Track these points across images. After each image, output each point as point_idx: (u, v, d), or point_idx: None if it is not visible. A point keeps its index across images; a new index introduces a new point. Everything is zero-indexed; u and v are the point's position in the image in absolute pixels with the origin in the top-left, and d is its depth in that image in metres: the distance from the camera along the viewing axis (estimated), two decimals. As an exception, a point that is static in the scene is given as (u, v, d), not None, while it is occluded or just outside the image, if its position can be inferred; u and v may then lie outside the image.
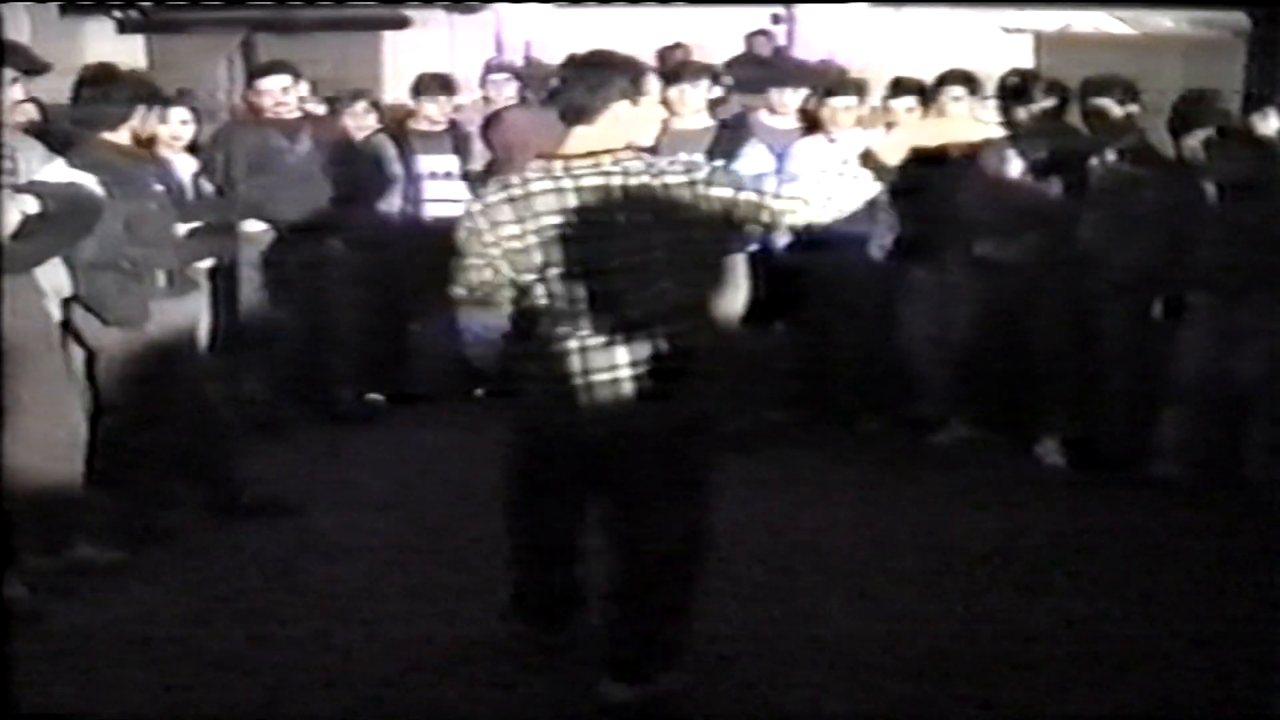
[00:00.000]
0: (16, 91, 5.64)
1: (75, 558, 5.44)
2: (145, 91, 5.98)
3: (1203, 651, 4.78)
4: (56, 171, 5.41)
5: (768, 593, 5.28)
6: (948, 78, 7.37)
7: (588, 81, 4.23)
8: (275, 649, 4.80)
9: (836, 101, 7.59)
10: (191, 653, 4.77)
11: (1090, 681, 4.56)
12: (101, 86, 5.78)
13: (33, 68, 5.51)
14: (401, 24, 13.29)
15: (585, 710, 4.33)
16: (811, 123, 7.71)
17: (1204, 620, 5.03)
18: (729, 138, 7.49)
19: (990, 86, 7.42)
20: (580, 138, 4.21)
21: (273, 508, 6.15)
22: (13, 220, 5.09)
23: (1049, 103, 7.06)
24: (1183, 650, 4.79)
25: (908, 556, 5.71)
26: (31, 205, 5.18)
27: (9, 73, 5.39)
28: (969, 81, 7.36)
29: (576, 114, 4.22)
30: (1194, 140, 6.44)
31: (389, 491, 6.60)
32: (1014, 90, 7.15)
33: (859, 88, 7.85)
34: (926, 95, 7.40)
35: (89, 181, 5.50)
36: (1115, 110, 6.76)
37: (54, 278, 5.56)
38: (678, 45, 10.95)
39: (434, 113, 8.30)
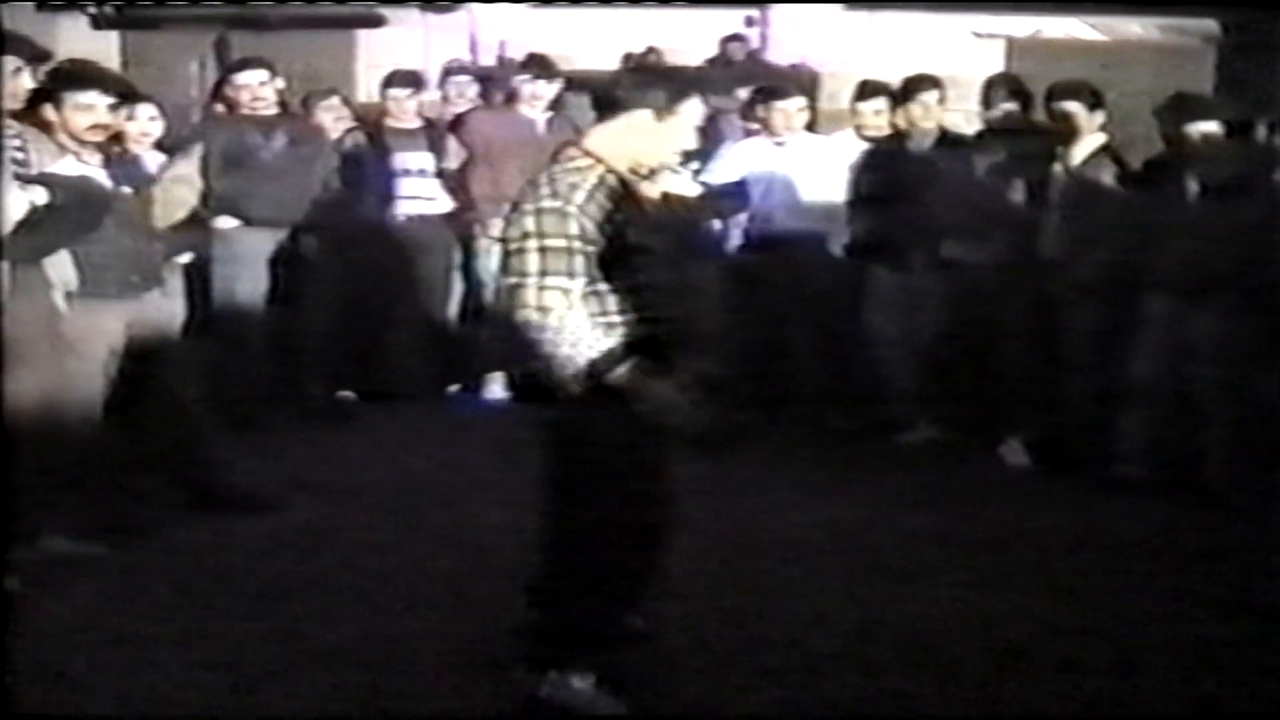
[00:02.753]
0: (25, 80, 5.64)
1: (51, 550, 5.47)
2: (119, 88, 6.00)
3: (1162, 650, 4.82)
4: (67, 165, 5.45)
5: (737, 589, 5.32)
6: (918, 83, 7.43)
7: (628, 80, 4.28)
8: (249, 643, 4.81)
9: (782, 104, 7.64)
10: (165, 646, 4.78)
11: (1052, 679, 4.61)
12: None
13: (35, 55, 5.55)
14: (376, 23, 13.27)
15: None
16: (763, 125, 7.78)
17: (1163, 619, 5.08)
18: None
19: (961, 91, 7.49)
20: (594, 134, 4.24)
21: (247, 502, 6.17)
22: (21, 209, 5.12)
23: (1011, 105, 7.15)
24: (1143, 649, 4.83)
25: (872, 553, 5.76)
26: (41, 196, 5.22)
27: (12, 61, 5.43)
28: (938, 86, 7.43)
29: (601, 108, 4.25)
30: (1194, 130, 6.47)
31: (361, 487, 6.64)
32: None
33: (804, 90, 7.91)
34: (897, 99, 7.48)
35: (99, 175, 5.54)
36: (1080, 115, 6.83)
37: (61, 270, 5.61)
38: (650, 50, 10.97)
39: (404, 106, 8.35)
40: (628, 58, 10.58)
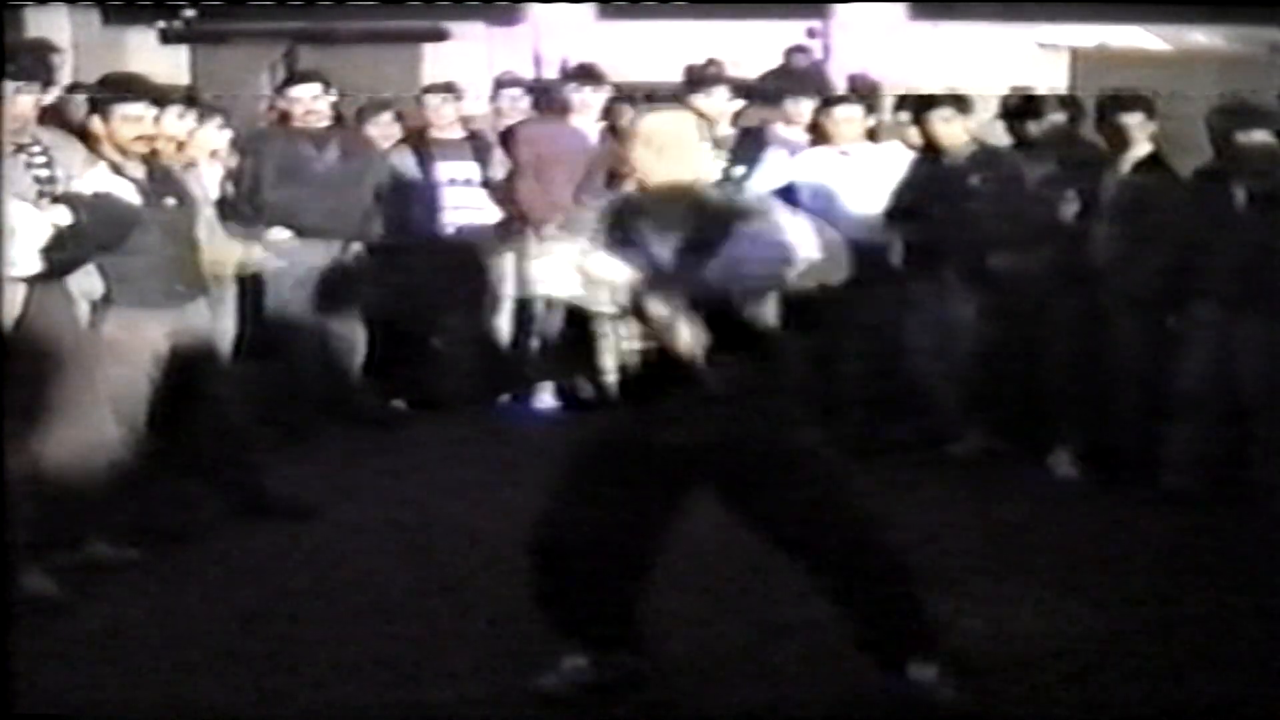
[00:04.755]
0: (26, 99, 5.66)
1: (91, 555, 5.54)
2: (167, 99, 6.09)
3: (1212, 660, 4.77)
4: (97, 176, 5.51)
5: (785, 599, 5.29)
6: (936, 99, 7.40)
7: None
8: (291, 651, 4.85)
9: (840, 112, 7.64)
10: (206, 652, 4.82)
11: (1103, 687, 4.58)
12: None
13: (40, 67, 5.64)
14: (440, 36, 13.38)
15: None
16: (820, 135, 7.76)
17: (1214, 629, 5.03)
18: (750, 144, 7.57)
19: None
20: None
21: (292, 510, 6.23)
22: (45, 233, 5.16)
23: (1060, 117, 7.10)
24: (1194, 659, 4.78)
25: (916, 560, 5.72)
26: (65, 217, 5.27)
27: (11, 84, 5.48)
28: (959, 102, 7.38)
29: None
30: (1247, 139, 6.41)
31: (409, 495, 6.67)
32: (1016, 109, 7.20)
33: (865, 99, 7.89)
34: (916, 115, 7.45)
35: (126, 190, 5.60)
36: (1134, 127, 6.77)
37: (84, 282, 5.66)
38: (710, 62, 10.96)
39: (442, 115, 8.40)
40: (689, 70, 10.61)
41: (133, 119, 5.76)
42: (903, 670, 4.33)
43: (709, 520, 4.46)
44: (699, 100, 7.49)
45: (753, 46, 11.70)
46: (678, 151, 4.21)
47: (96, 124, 5.77)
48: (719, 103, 7.65)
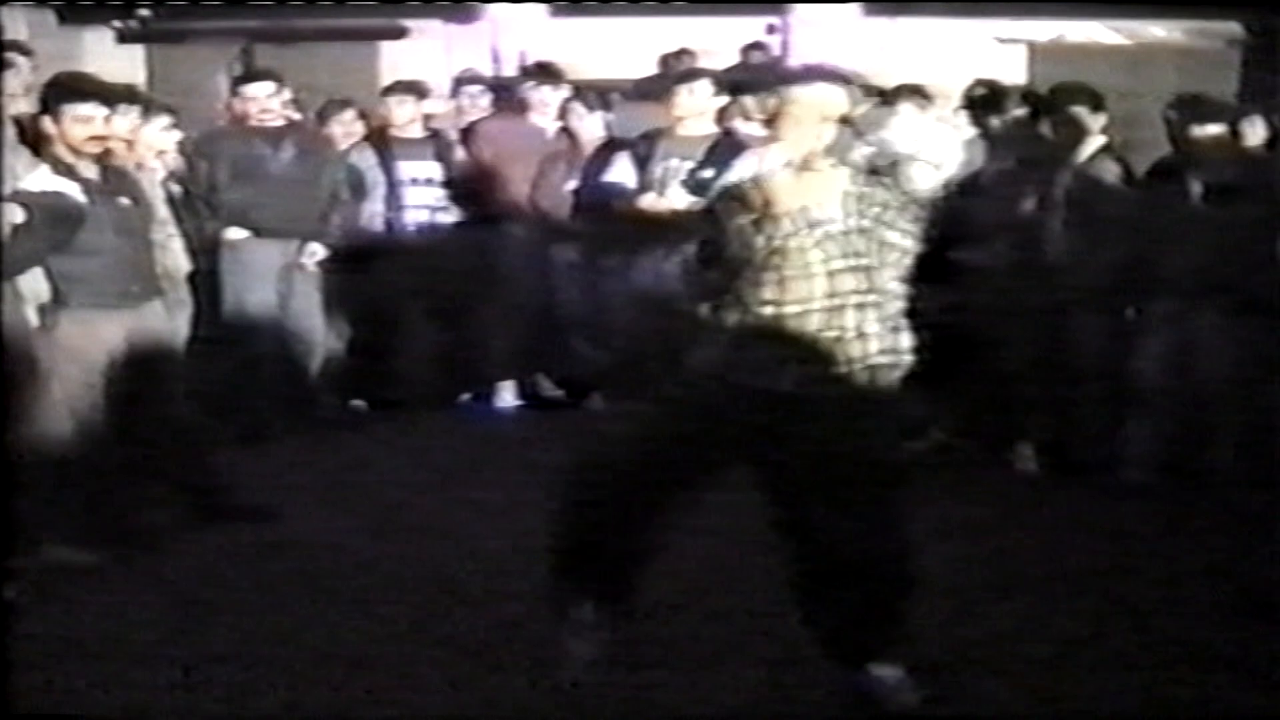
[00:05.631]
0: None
1: (51, 559, 5.50)
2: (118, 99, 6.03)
3: (1170, 651, 4.80)
4: (40, 179, 5.47)
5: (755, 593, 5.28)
6: (898, 92, 7.41)
7: None
8: (248, 652, 4.81)
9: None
10: (164, 656, 4.78)
11: (1065, 680, 4.59)
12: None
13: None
14: (399, 34, 13.34)
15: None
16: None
17: (1166, 620, 5.06)
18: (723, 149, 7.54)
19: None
20: None
21: (249, 513, 6.18)
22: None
23: (1020, 111, 7.12)
24: (1152, 650, 4.82)
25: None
26: (18, 215, 5.24)
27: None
28: (919, 94, 7.40)
29: None
30: (1199, 133, 6.45)
31: (370, 496, 6.64)
32: (981, 101, 7.21)
33: None
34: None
35: (72, 190, 5.56)
36: (1083, 118, 6.79)
37: (32, 283, 5.63)
38: (683, 51, 10.89)
39: (404, 115, 8.36)
40: (663, 61, 10.60)
41: (83, 119, 5.71)
42: (866, 669, 4.33)
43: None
44: (681, 95, 7.45)
45: (710, 43, 11.68)
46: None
47: (48, 124, 5.73)
48: (702, 98, 7.56)
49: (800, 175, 4.14)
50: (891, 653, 4.34)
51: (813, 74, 4.30)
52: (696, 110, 7.50)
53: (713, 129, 7.54)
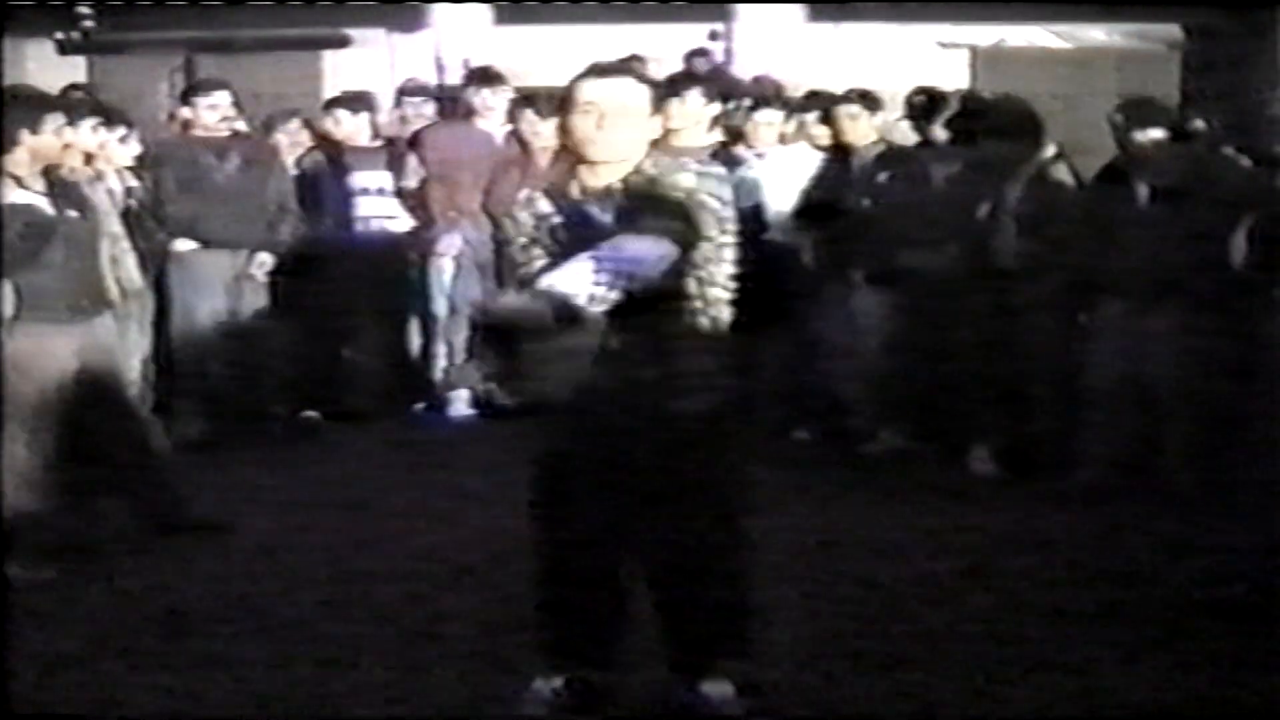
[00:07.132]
0: None
1: (5, 576, 5.44)
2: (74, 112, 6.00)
3: (1124, 649, 4.81)
4: (7, 194, 5.43)
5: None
6: (845, 96, 7.46)
7: None
8: (207, 667, 4.76)
9: (761, 116, 7.66)
10: (120, 669, 4.75)
11: (1017, 682, 4.58)
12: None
13: None
14: (341, 43, 13.30)
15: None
16: (734, 138, 7.73)
17: (1125, 619, 5.09)
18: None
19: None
20: None
21: (204, 526, 6.14)
22: None
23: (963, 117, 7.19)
24: (1105, 652, 4.81)
25: (842, 561, 5.76)
26: None
27: None
28: (866, 99, 7.44)
29: None
30: (1144, 137, 6.51)
31: (324, 506, 6.62)
32: (922, 108, 7.27)
33: (786, 103, 7.93)
34: (825, 114, 7.49)
35: (40, 204, 5.52)
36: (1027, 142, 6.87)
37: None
38: (634, 57, 10.84)
39: (348, 127, 8.32)
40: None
41: (53, 131, 5.68)
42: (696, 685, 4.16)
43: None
44: (673, 105, 7.28)
45: (653, 49, 11.70)
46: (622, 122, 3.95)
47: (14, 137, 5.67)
48: (694, 108, 7.11)
49: None
50: (727, 669, 4.18)
51: None
52: (692, 120, 7.30)
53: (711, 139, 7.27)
